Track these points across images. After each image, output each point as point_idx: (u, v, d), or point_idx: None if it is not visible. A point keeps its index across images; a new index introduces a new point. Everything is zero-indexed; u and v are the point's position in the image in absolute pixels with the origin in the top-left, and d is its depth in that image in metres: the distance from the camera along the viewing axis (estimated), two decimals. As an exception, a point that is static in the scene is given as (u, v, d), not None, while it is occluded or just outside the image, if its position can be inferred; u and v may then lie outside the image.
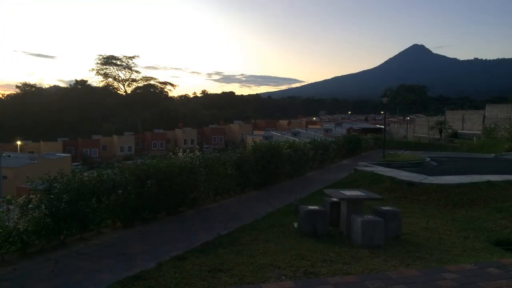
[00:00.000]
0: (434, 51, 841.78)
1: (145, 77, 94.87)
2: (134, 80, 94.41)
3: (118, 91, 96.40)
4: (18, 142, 60.04)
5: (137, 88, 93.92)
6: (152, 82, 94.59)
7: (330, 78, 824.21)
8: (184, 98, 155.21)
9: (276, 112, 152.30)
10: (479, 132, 39.35)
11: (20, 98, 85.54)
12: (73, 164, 44.49)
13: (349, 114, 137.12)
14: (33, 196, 6.97)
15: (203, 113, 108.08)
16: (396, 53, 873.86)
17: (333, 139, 25.13)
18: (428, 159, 18.21)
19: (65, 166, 28.48)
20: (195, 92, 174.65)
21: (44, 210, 6.71)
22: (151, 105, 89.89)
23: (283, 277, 5.11)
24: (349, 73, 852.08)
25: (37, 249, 6.77)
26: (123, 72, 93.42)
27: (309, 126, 76.08)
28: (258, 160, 13.39)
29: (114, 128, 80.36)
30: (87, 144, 66.28)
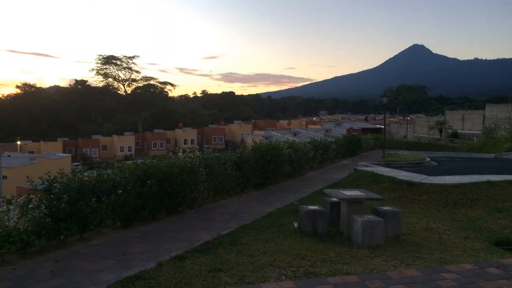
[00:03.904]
0: (434, 51, 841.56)
1: (145, 77, 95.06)
2: (134, 80, 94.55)
3: (118, 91, 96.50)
4: (18, 142, 60.06)
5: (137, 88, 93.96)
6: (152, 82, 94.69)
7: (330, 78, 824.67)
8: (184, 98, 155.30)
9: (276, 112, 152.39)
10: (479, 132, 39.32)
11: (20, 98, 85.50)
12: (73, 164, 44.52)
13: (349, 114, 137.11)
14: (33, 196, 6.97)
15: (203, 113, 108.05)
16: (396, 53, 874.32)
17: (333, 139, 25.11)
18: (428, 159, 18.21)
19: (65, 166, 28.46)
20: (195, 92, 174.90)
21: (44, 210, 6.71)
22: (151, 105, 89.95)
23: (283, 277, 5.11)
24: (349, 73, 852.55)
25: (37, 249, 6.76)
26: (123, 72, 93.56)
27: (309, 126, 76.04)
28: (258, 160, 13.38)
29: (114, 128, 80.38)
30: (87, 144, 66.29)
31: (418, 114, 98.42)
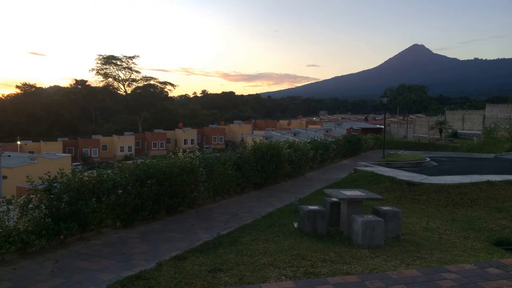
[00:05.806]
0: (434, 51, 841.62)
1: (145, 77, 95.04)
2: (134, 80, 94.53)
3: (118, 91, 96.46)
4: (18, 142, 60.05)
5: (137, 88, 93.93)
6: (152, 82, 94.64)
7: (330, 78, 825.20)
8: (184, 98, 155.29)
9: (276, 112, 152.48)
10: (479, 132, 39.31)
11: (20, 98, 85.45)
12: (73, 164, 44.49)
13: (349, 114, 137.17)
14: (33, 196, 6.96)
15: (203, 113, 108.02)
16: (396, 53, 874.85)
17: (333, 139, 25.10)
18: (428, 159, 18.21)
19: (65, 166, 28.42)
20: (195, 92, 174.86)
21: (44, 210, 6.70)
22: (151, 105, 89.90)
23: (283, 277, 5.11)
24: (349, 73, 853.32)
25: (37, 249, 6.77)
26: (123, 72, 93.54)
27: (309, 126, 76.05)
28: (258, 160, 13.38)
29: (114, 128, 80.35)
30: (87, 144, 66.27)
31: (418, 114, 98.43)
